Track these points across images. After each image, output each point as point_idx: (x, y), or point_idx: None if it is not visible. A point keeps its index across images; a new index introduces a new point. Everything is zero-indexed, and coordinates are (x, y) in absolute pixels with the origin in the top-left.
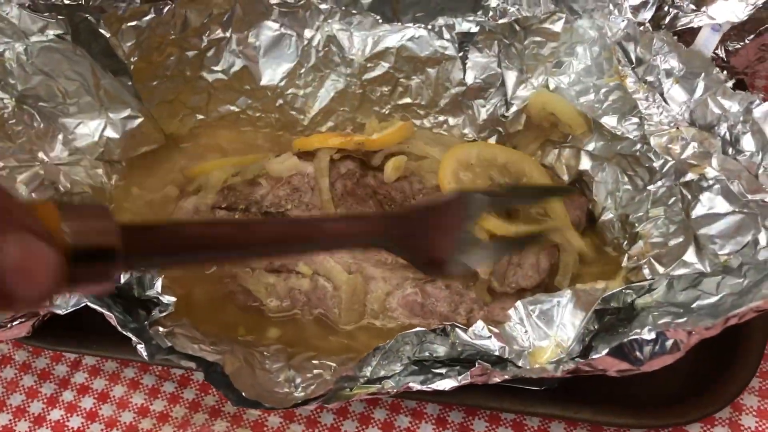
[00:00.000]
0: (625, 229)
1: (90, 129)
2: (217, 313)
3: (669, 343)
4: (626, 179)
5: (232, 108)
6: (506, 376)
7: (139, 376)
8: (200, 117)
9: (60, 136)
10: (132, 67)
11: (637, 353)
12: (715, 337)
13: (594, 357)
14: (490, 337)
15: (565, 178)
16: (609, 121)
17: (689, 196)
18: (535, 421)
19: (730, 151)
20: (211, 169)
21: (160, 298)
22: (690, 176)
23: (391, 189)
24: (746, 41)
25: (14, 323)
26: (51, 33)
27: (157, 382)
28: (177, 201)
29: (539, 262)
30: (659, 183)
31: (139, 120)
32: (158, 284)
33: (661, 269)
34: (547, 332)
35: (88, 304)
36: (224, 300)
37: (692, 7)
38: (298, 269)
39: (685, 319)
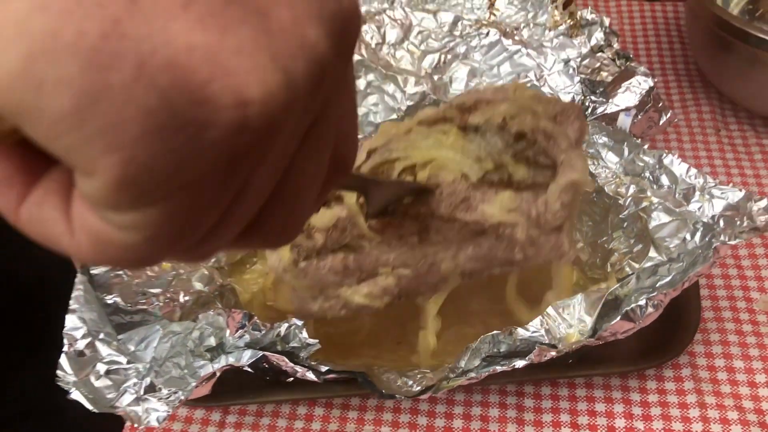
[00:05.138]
0: (597, 252)
1: None
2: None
3: (655, 303)
4: (586, 218)
5: None
6: (553, 353)
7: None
8: None
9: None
10: None
11: (637, 314)
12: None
13: (612, 323)
14: (541, 330)
15: None
16: None
17: (645, 216)
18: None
19: (654, 186)
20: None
21: (307, 341)
22: (644, 204)
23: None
24: (639, 117)
25: (203, 383)
26: None
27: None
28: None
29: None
30: (625, 213)
31: None
32: (304, 333)
33: (636, 265)
34: (571, 323)
35: (266, 354)
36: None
37: (602, 100)
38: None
39: (656, 293)
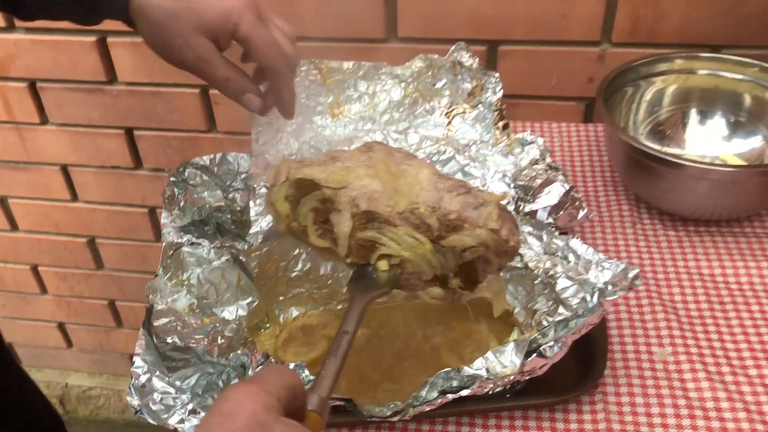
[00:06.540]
0: (529, 314)
1: (229, 313)
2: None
3: (561, 344)
4: (521, 288)
5: (300, 290)
6: (491, 384)
7: None
8: (281, 298)
9: (214, 321)
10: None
11: (548, 353)
12: (578, 347)
13: (529, 359)
14: (482, 369)
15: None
16: None
17: (554, 282)
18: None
19: (564, 262)
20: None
21: (309, 377)
22: (552, 272)
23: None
24: (561, 213)
25: None
26: (224, 258)
27: None
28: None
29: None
30: (538, 281)
31: (256, 303)
32: (306, 371)
33: (551, 318)
34: (505, 364)
35: None
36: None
37: (531, 200)
38: None
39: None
